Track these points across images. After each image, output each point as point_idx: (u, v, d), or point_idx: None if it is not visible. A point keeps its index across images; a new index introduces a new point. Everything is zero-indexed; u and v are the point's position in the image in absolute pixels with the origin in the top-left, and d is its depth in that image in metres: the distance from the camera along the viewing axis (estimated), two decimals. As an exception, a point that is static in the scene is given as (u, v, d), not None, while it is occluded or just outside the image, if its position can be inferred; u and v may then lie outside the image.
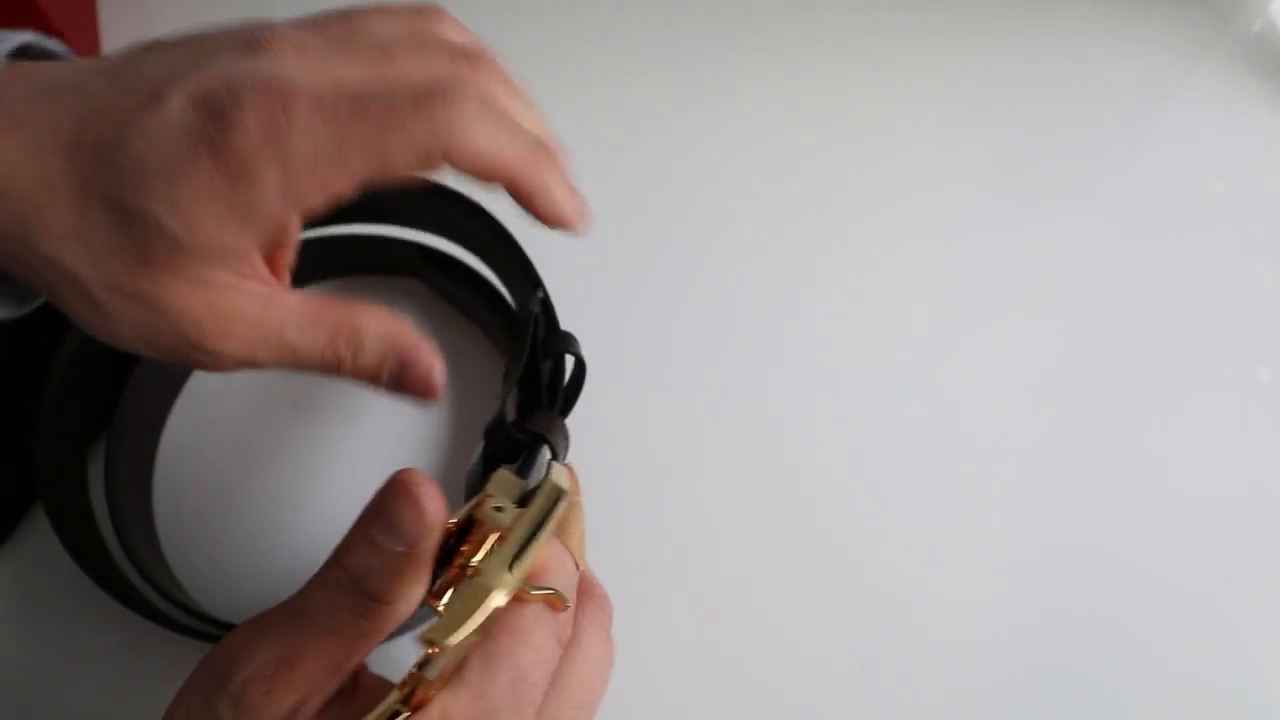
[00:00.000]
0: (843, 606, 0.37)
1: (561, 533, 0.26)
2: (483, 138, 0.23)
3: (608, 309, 0.44)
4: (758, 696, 0.35)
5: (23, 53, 0.26)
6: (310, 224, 0.26)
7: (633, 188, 0.49)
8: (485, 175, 0.23)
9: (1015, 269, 0.47)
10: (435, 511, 0.21)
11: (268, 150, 0.21)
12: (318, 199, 0.22)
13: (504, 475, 0.23)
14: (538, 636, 0.21)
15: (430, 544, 0.21)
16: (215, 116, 0.21)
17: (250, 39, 0.23)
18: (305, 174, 0.22)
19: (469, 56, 0.25)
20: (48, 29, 0.48)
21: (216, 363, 0.24)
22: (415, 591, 0.22)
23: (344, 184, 0.22)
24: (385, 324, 0.25)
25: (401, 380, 0.25)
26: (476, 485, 0.27)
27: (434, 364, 0.25)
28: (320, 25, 0.24)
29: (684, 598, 0.37)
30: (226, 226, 0.22)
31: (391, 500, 0.21)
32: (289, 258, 0.26)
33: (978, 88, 0.54)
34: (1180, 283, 0.47)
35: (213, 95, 0.21)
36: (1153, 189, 0.50)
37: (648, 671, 0.35)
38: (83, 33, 0.53)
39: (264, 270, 0.24)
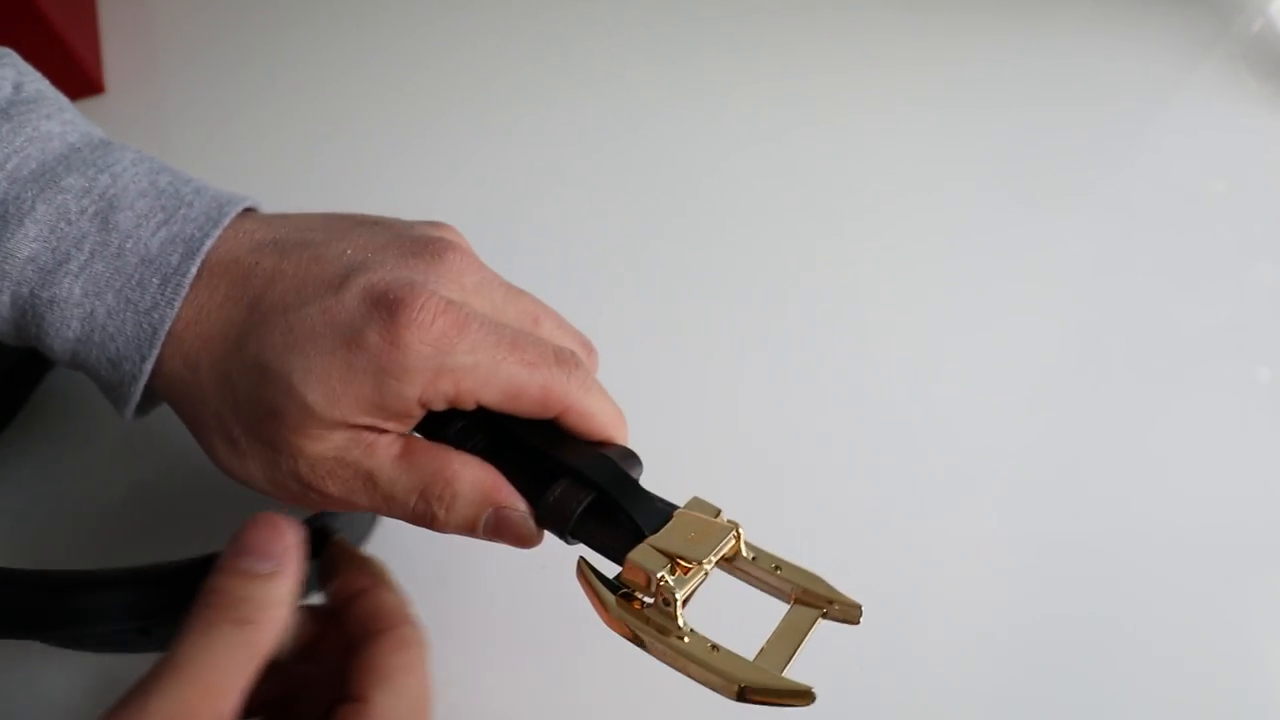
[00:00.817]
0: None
1: (384, 579, 0.29)
2: (596, 402, 0.27)
3: (603, 306, 0.44)
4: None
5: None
6: None
7: (632, 184, 0.49)
8: (587, 431, 0.27)
9: (1015, 268, 0.47)
10: (297, 532, 0.24)
11: (431, 354, 0.24)
12: (443, 403, 0.25)
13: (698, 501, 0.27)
14: (423, 671, 0.26)
15: (295, 561, 0.24)
16: (390, 310, 0.24)
17: (440, 249, 0.26)
18: (450, 382, 0.25)
19: (588, 349, 0.30)
20: (48, 29, 0.48)
21: (326, 501, 0.26)
22: (281, 612, 0.24)
23: (471, 400, 0.25)
24: (477, 475, 0.26)
25: (497, 532, 0.27)
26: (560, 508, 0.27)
27: (528, 519, 0.27)
28: (486, 270, 0.28)
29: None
30: (359, 407, 0.24)
31: (256, 531, 0.24)
32: (406, 430, 0.27)
33: (978, 87, 0.54)
34: (1180, 283, 0.47)
35: (393, 290, 0.24)
36: (1153, 189, 0.50)
37: (650, 672, 0.35)
38: (83, 32, 0.53)
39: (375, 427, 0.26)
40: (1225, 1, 0.57)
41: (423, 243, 0.27)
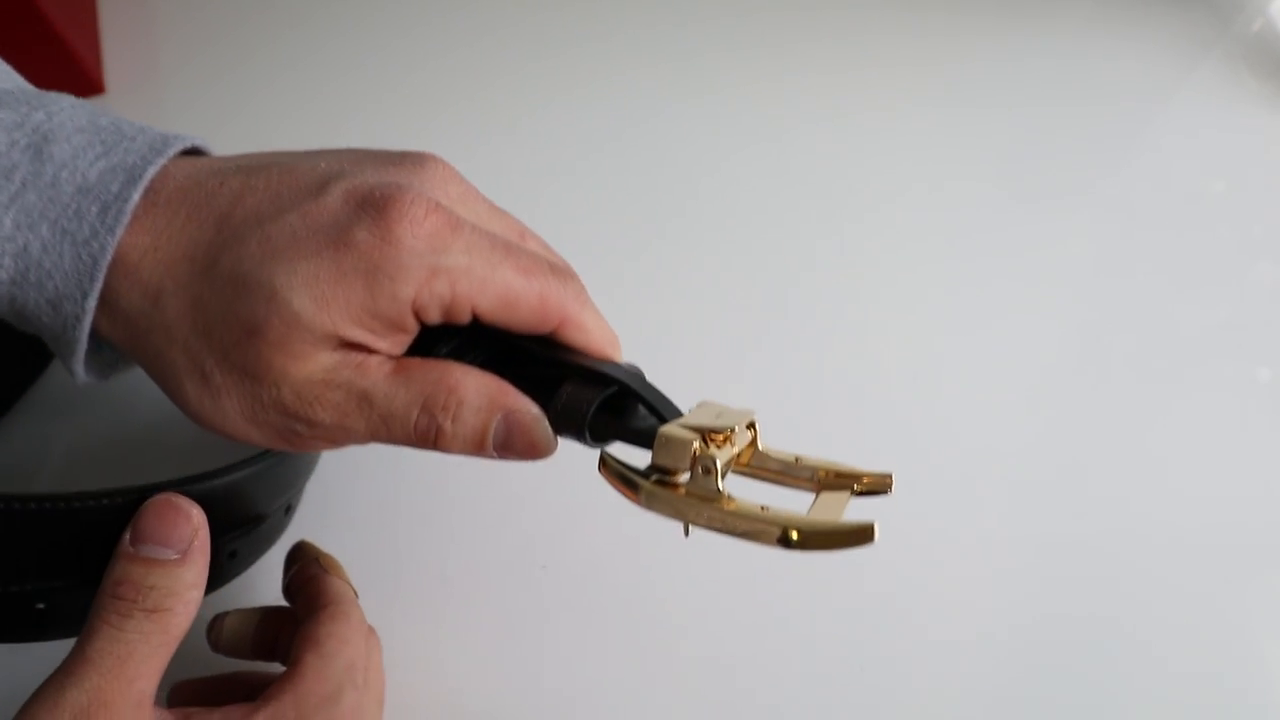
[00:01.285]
0: (843, 607, 0.37)
1: (335, 569, 0.31)
2: (592, 318, 0.26)
3: (601, 308, 0.44)
4: (759, 695, 0.35)
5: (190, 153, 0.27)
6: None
7: (632, 185, 0.49)
8: (584, 347, 0.26)
9: (1015, 268, 0.47)
10: (199, 515, 0.24)
11: (426, 250, 0.23)
12: (437, 311, 0.23)
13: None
14: (357, 639, 0.27)
15: (202, 543, 0.24)
16: (378, 207, 0.23)
17: (419, 159, 0.25)
18: (446, 283, 0.23)
19: (572, 273, 0.28)
20: (48, 29, 0.48)
21: (315, 433, 0.24)
22: (193, 595, 0.24)
23: (466, 307, 0.24)
24: (484, 383, 0.24)
25: (509, 443, 0.25)
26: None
27: (543, 421, 0.25)
28: (469, 184, 0.27)
29: (685, 597, 0.37)
30: (349, 314, 0.23)
31: (157, 517, 0.24)
32: (398, 351, 0.25)
33: (978, 87, 0.54)
34: (1180, 283, 0.47)
35: (380, 189, 0.23)
36: (1153, 189, 0.50)
37: (650, 671, 0.35)
38: (83, 32, 0.53)
39: (367, 350, 0.24)
40: (1225, 1, 0.57)
41: (401, 154, 0.25)
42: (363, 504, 0.38)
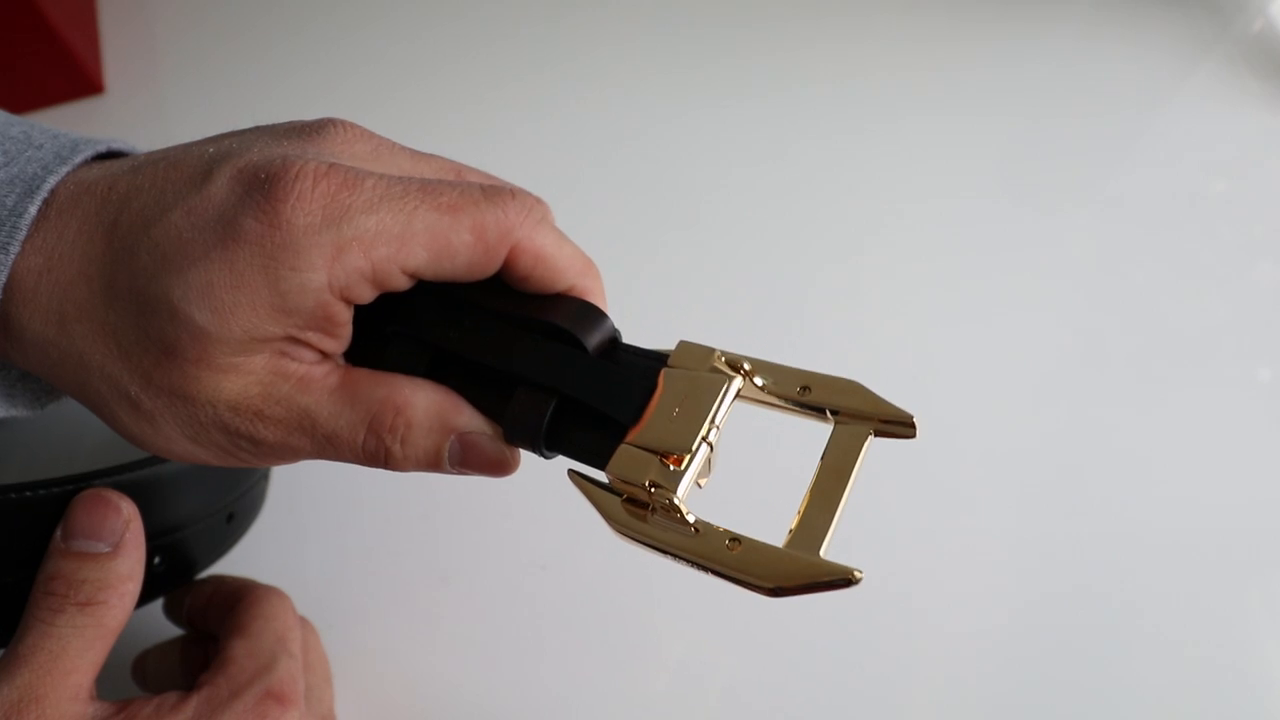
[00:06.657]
0: (843, 606, 0.37)
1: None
2: (549, 240, 0.23)
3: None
4: (760, 695, 0.35)
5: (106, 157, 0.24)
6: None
7: (633, 196, 0.49)
8: (546, 278, 0.23)
9: (1016, 270, 0.47)
10: (130, 508, 0.24)
11: (324, 225, 0.20)
12: (365, 287, 0.21)
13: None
14: (284, 613, 0.28)
15: (134, 535, 0.24)
16: (263, 189, 0.20)
17: (318, 125, 0.23)
18: (359, 254, 0.20)
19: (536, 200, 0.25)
20: (48, 29, 0.48)
21: (261, 451, 0.22)
22: (128, 588, 0.24)
23: (395, 273, 0.21)
24: (431, 399, 0.22)
25: (466, 464, 0.23)
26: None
27: (497, 441, 0.23)
28: (382, 139, 0.24)
29: (686, 597, 0.37)
30: (260, 314, 0.20)
31: (87, 512, 0.24)
32: (339, 347, 0.23)
33: (978, 91, 0.54)
34: (1181, 283, 0.47)
35: (264, 168, 0.20)
36: (1153, 190, 0.50)
37: (650, 671, 0.35)
38: (83, 33, 0.53)
39: (305, 353, 0.22)
40: (1225, 1, 0.57)
41: (299, 125, 0.23)
42: (361, 503, 0.38)
